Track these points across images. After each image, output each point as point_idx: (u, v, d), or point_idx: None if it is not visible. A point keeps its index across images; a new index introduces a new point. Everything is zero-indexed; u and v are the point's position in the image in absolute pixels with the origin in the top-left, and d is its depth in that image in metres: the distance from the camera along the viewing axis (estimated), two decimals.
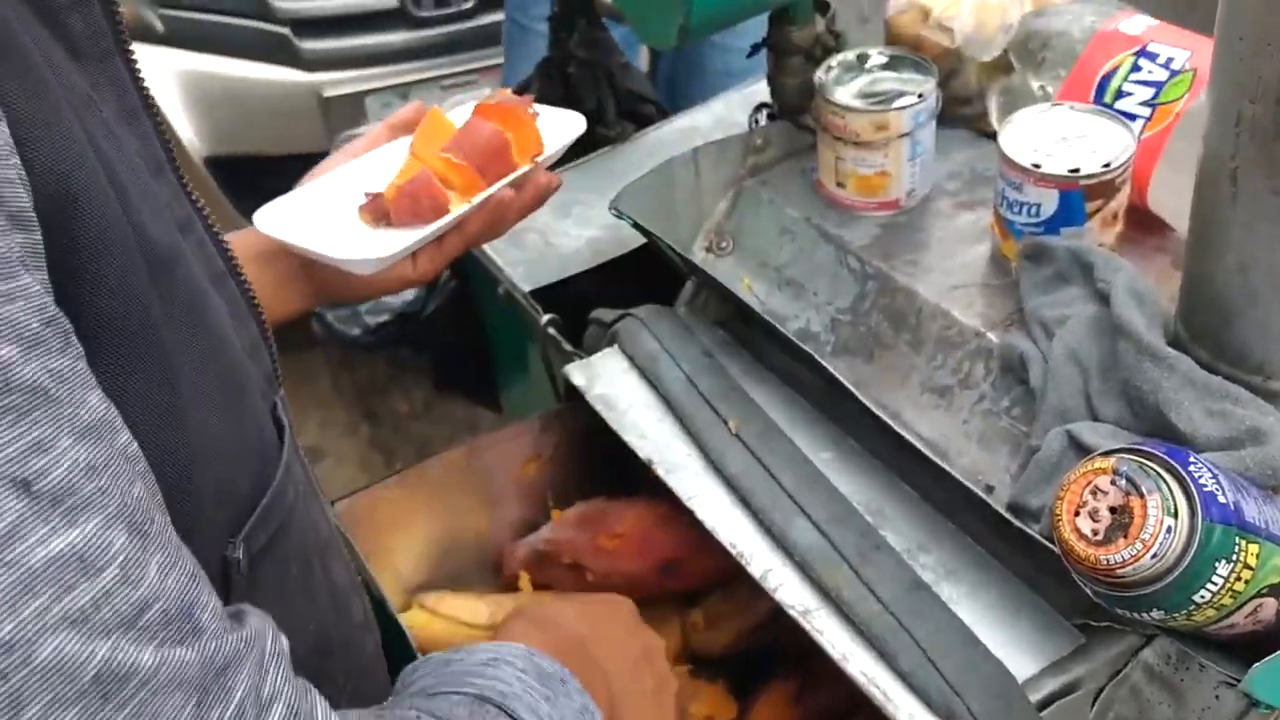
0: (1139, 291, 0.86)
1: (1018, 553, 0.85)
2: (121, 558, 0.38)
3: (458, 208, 0.89)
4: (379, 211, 0.89)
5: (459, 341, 1.53)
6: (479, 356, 1.54)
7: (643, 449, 1.00)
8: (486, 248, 1.31)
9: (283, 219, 0.88)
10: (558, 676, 0.62)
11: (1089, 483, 0.64)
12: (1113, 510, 0.63)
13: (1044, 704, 0.78)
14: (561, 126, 0.97)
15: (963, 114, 1.16)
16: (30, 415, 0.36)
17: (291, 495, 0.60)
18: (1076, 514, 0.64)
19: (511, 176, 0.91)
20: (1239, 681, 0.71)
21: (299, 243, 0.85)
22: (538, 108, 0.96)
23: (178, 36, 2.61)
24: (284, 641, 0.46)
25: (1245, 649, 0.73)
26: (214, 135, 2.62)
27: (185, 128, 2.57)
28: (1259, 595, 0.66)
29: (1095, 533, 0.63)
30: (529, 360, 1.36)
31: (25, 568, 0.34)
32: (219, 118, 2.63)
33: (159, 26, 2.60)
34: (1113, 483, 0.63)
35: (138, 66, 0.55)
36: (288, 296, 0.88)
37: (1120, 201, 0.95)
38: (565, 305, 1.22)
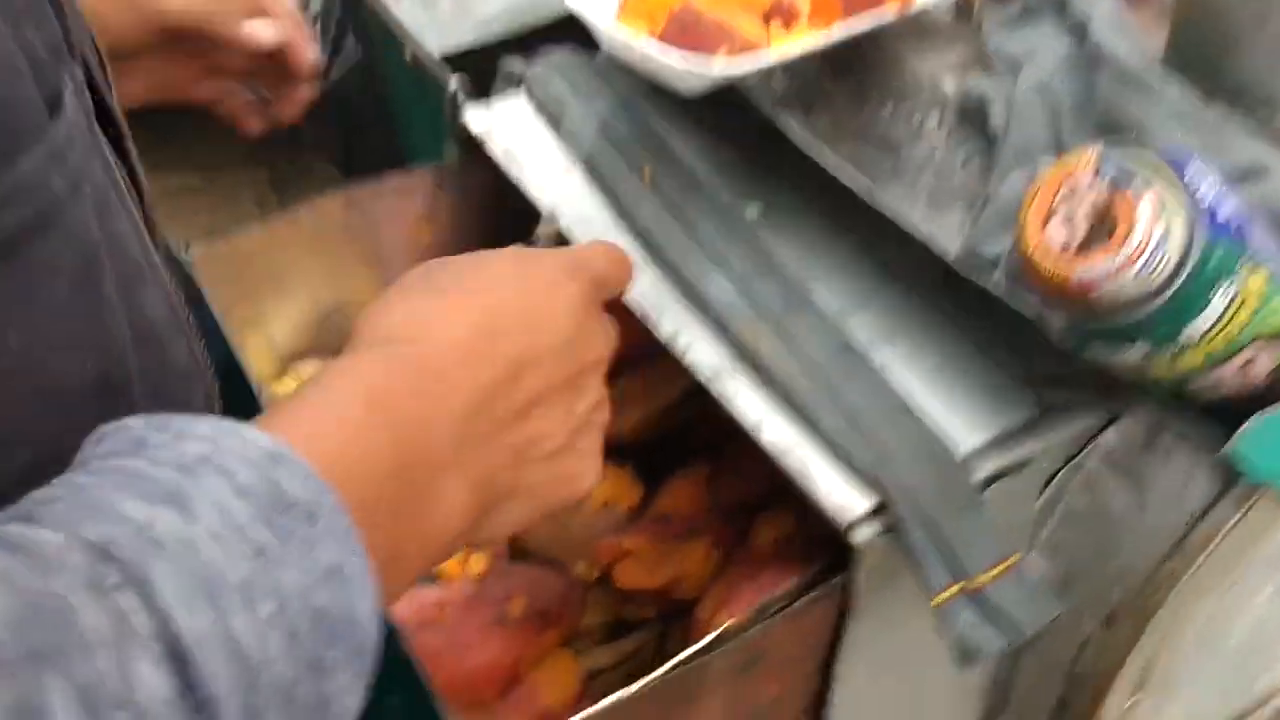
0: (1122, 21, 0.73)
1: (967, 312, 0.74)
2: None
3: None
4: None
5: (365, 114, 1.38)
6: (388, 132, 1.38)
7: (545, 200, 0.86)
8: (392, 7, 1.15)
9: None
10: (303, 509, 0.37)
11: (1065, 181, 0.51)
12: (1094, 214, 0.50)
13: (986, 482, 0.67)
14: None
15: None
16: None
17: (60, 189, 0.46)
18: (1047, 221, 0.51)
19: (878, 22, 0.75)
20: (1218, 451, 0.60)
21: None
22: None
23: None
24: None
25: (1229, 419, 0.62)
26: None
27: None
28: (1255, 341, 0.55)
29: (1070, 243, 0.51)
30: (442, 133, 1.21)
31: None
32: None
33: None
34: (1095, 179, 0.50)
35: None
36: None
37: None
38: (480, 77, 1.07)
